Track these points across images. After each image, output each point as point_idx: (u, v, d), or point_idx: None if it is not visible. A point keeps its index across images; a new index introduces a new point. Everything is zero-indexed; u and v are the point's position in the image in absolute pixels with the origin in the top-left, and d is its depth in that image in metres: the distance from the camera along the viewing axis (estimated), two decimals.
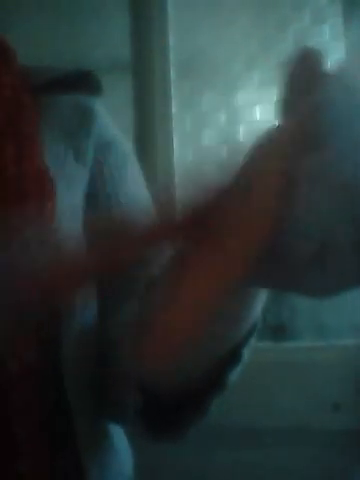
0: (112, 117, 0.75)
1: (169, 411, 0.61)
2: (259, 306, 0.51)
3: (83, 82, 0.73)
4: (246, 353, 0.57)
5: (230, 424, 1.50)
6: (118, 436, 0.70)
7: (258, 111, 1.89)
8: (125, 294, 0.65)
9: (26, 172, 0.62)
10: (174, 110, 1.96)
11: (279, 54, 1.87)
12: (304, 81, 0.40)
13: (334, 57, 1.81)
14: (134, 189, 0.71)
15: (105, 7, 2.00)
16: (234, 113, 1.92)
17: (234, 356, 0.56)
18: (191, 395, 0.59)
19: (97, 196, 0.68)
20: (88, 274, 0.38)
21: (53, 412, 0.59)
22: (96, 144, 0.69)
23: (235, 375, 0.59)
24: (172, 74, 1.97)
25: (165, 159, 1.91)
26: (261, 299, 0.50)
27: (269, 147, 0.40)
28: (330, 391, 1.63)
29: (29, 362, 0.56)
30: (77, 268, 0.37)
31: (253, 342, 0.57)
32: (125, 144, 0.74)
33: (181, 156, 1.95)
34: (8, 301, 0.55)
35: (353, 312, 1.65)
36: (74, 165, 0.67)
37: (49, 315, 0.58)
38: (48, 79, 0.70)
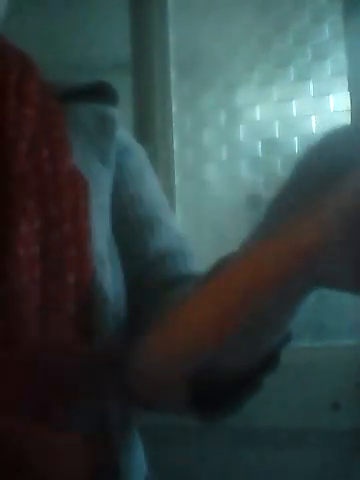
0: None
1: (208, 404, 0.64)
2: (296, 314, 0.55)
3: (102, 93, 0.77)
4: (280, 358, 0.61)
5: (230, 424, 1.50)
6: (136, 439, 0.73)
7: (258, 111, 1.89)
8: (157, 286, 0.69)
9: (61, 172, 0.66)
10: (174, 110, 1.96)
11: (279, 54, 1.87)
12: None
13: (334, 57, 1.81)
14: (153, 189, 0.77)
15: (105, 7, 2.00)
16: (234, 113, 1.92)
17: (271, 360, 0.60)
18: (228, 394, 0.62)
19: (121, 196, 0.73)
20: None
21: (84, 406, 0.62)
22: (117, 149, 0.74)
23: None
24: (172, 74, 1.97)
25: (165, 159, 1.91)
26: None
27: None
28: (330, 391, 1.63)
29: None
30: None
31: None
32: (141, 149, 0.80)
33: (181, 156, 1.95)
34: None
35: (353, 312, 1.65)
36: (100, 168, 0.72)
37: (83, 306, 0.61)
38: (68, 89, 0.75)
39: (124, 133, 0.77)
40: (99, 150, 0.73)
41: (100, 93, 0.77)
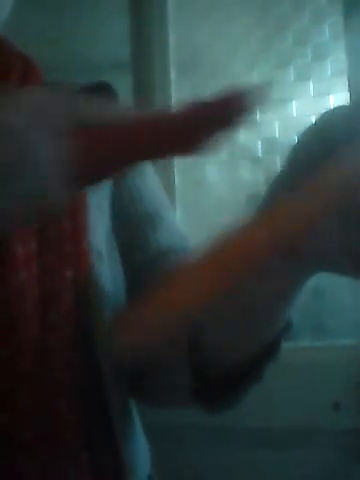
0: None
1: (212, 394, 0.65)
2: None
3: (102, 93, 0.78)
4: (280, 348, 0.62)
5: (230, 424, 1.50)
6: (139, 435, 0.73)
7: (258, 111, 1.89)
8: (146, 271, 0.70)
9: None
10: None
11: (279, 54, 1.87)
12: None
13: (334, 57, 1.81)
14: (154, 186, 0.78)
15: (105, 7, 2.00)
16: None
17: (272, 350, 0.61)
18: (231, 384, 0.63)
19: (121, 194, 0.74)
20: None
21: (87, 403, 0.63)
22: None
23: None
24: (172, 74, 1.97)
25: (165, 159, 1.91)
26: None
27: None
28: (330, 391, 1.63)
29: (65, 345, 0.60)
30: None
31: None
32: None
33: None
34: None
35: (353, 312, 1.65)
36: None
37: (81, 301, 0.62)
38: (68, 90, 0.75)
39: None
40: None
41: (100, 93, 0.77)
